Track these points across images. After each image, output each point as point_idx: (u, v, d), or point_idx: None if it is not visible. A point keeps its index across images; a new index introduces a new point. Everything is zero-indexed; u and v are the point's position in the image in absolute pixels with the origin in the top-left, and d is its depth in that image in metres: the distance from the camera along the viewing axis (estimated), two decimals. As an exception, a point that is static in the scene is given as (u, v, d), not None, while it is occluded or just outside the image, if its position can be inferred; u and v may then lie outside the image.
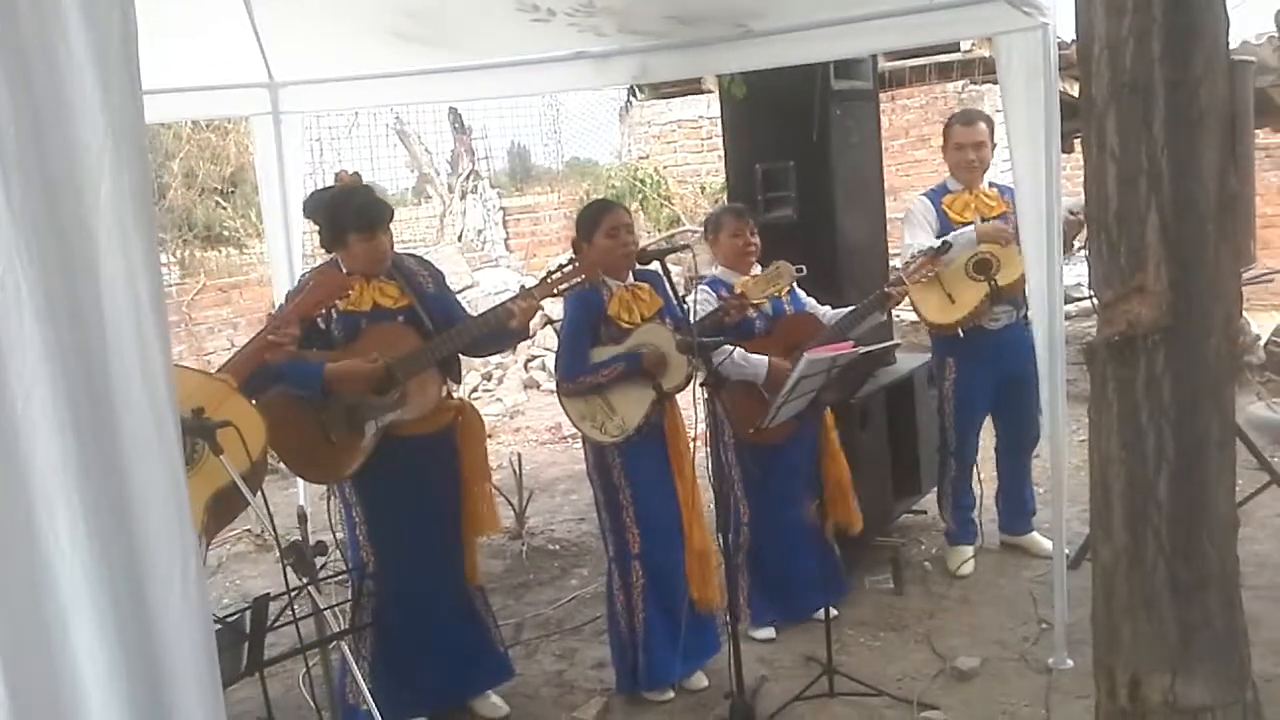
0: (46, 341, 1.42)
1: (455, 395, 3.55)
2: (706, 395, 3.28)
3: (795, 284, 3.86)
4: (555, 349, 3.86)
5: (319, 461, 3.23)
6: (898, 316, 5.57)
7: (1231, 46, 2.21)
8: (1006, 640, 3.77)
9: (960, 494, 4.47)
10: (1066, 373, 3.58)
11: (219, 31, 3.99)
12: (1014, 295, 4.15)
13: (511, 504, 5.15)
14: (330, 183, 3.43)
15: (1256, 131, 4.84)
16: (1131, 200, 2.03)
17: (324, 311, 3.15)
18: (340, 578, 3.76)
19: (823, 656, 3.56)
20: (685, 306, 3.38)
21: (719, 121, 4.86)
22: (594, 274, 3.33)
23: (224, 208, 8.79)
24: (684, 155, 11.51)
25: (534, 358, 8.84)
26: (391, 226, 3.30)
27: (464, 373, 4.75)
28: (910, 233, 4.28)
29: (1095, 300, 2.16)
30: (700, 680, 3.64)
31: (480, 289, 9.57)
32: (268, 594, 2.50)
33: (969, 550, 4.45)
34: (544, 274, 3.34)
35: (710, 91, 9.66)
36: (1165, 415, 2.07)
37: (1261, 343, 6.79)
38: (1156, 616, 2.13)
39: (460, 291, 8.01)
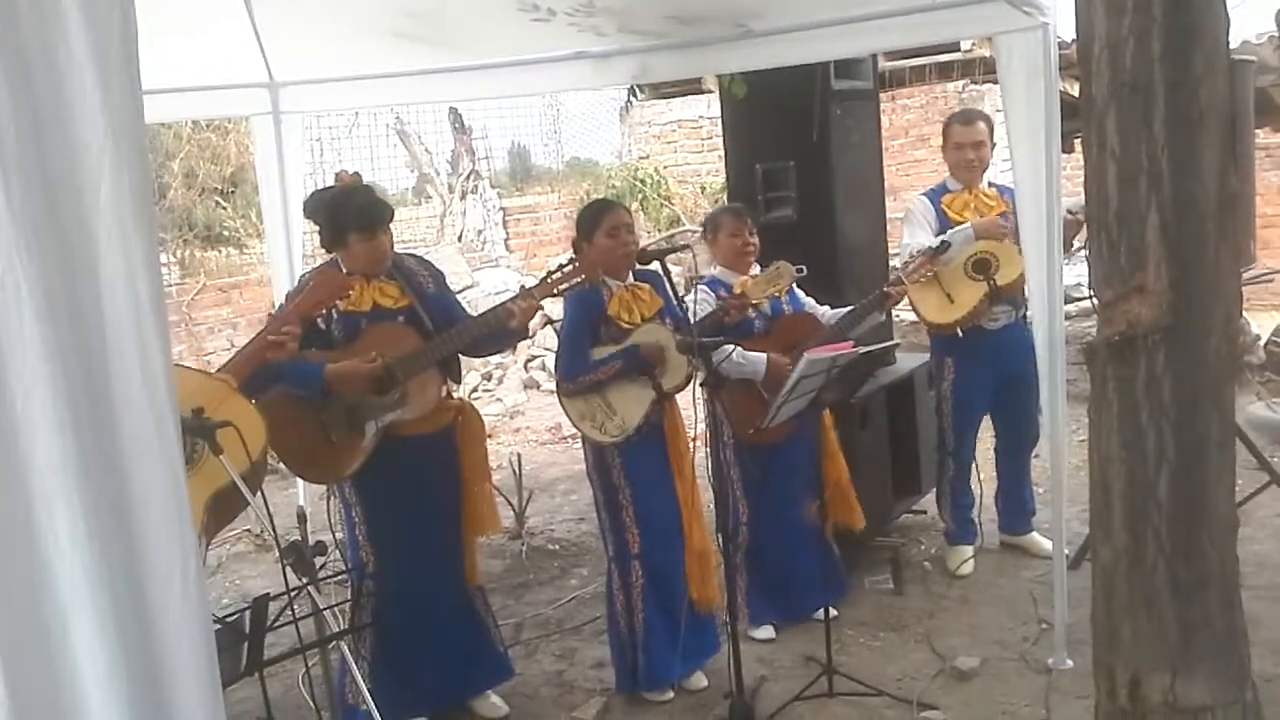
0: (46, 341, 1.42)
1: (455, 395, 3.55)
2: (706, 395, 3.28)
3: (794, 284, 3.86)
4: (555, 349, 3.86)
5: (319, 461, 3.23)
6: (898, 316, 5.57)
7: (1232, 46, 2.22)
8: (1006, 640, 3.77)
9: (959, 494, 4.47)
10: (1066, 372, 3.58)
11: (219, 31, 3.99)
12: (1013, 295, 4.16)
13: (511, 504, 5.15)
14: (330, 183, 3.43)
15: (1257, 131, 4.84)
16: (1131, 200, 2.03)
17: (324, 311, 3.15)
18: (340, 578, 3.77)
19: (822, 656, 3.56)
20: (685, 306, 3.37)
21: (719, 121, 4.86)
22: (594, 274, 3.33)
23: (224, 208, 8.79)
24: (684, 155, 11.51)
25: (534, 358, 8.84)
26: (391, 226, 3.30)
27: (464, 373, 4.75)
28: (909, 232, 4.28)
29: (1095, 300, 2.16)
30: (700, 680, 3.64)
31: (480, 289, 9.57)
32: (267, 594, 2.50)
33: (969, 550, 4.45)
34: (544, 274, 3.34)
35: (710, 91, 9.66)
36: (1165, 415, 2.07)
37: (1261, 343, 6.79)
38: (1156, 616, 2.13)
39: (460, 291, 8.00)
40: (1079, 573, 3.71)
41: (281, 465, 3.57)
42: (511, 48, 4.10)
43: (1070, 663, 3.47)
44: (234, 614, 2.46)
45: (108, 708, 1.49)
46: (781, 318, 3.90)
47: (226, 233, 8.71)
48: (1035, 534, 4.51)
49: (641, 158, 11.73)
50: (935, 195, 4.35)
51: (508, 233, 10.95)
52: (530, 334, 3.98)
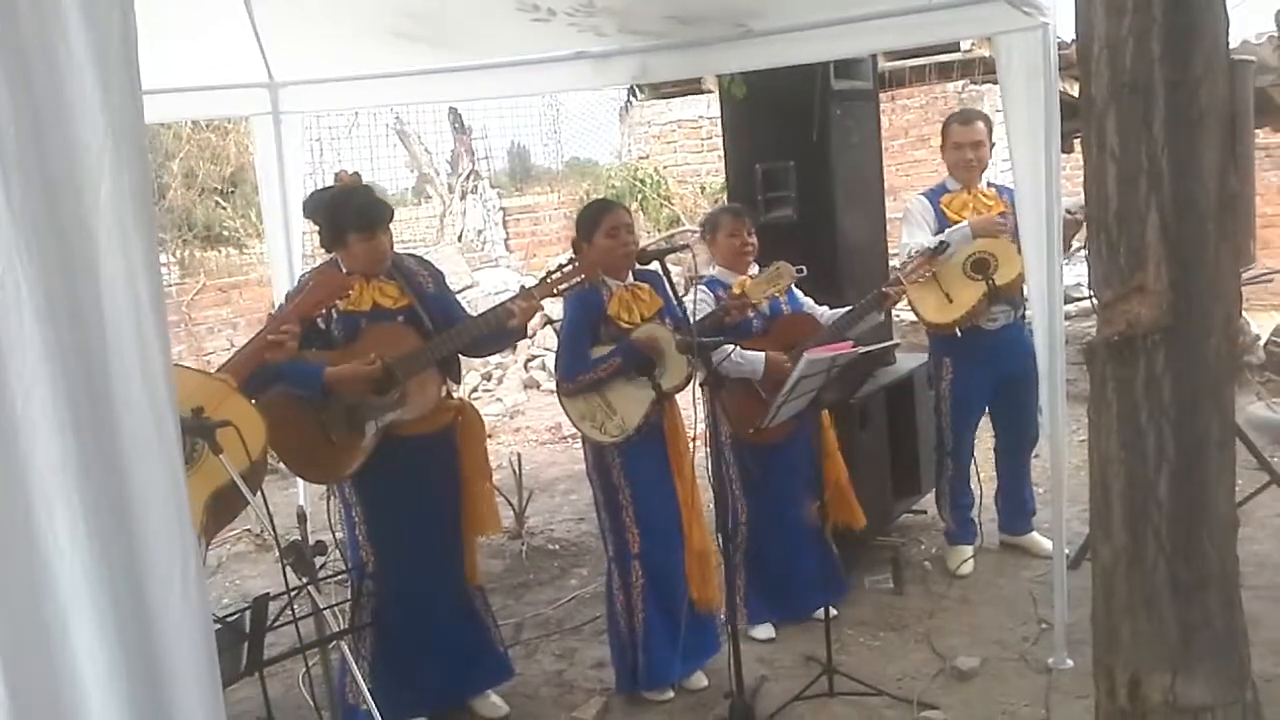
0: (46, 341, 1.42)
1: (455, 395, 3.55)
2: (706, 395, 3.28)
3: (793, 284, 3.86)
4: (555, 349, 3.86)
5: (319, 461, 3.23)
6: (897, 316, 5.57)
7: (1231, 46, 2.21)
8: (1006, 640, 3.77)
9: (958, 494, 4.47)
10: (1066, 372, 3.58)
11: (219, 32, 3.99)
12: (1012, 295, 4.16)
13: (511, 504, 5.15)
14: (330, 183, 3.43)
15: (1256, 131, 4.83)
16: (1131, 200, 2.03)
17: (324, 311, 3.15)
18: (340, 577, 3.77)
19: (822, 656, 3.56)
20: (685, 306, 3.37)
21: (719, 121, 4.86)
22: (594, 274, 3.33)
23: (224, 208, 8.80)
24: (684, 155, 11.51)
25: (534, 358, 8.84)
26: (391, 226, 3.30)
27: (464, 373, 4.75)
28: (908, 232, 4.28)
29: (1095, 300, 2.16)
30: (700, 680, 3.64)
31: (480, 289, 9.57)
32: (267, 594, 2.50)
33: (968, 550, 4.45)
34: (544, 274, 3.34)
35: (710, 91, 9.65)
36: (1165, 415, 2.07)
37: (1261, 342, 6.79)
38: (1156, 616, 2.13)
39: (460, 291, 8.01)
40: (1079, 572, 3.71)
41: (281, 465, 3.57)
42: (511, 48, 4.10)
43: (1070, 662, 3.47)
44: (234, 614, 2.46)
45: (108, 708, 1.49)
46: (780, 318, 3.90)
47: (226, 233, 8.72)
48: (1035, 534, 4.51)
49: (641, 158, 11.73)
50: (934, 195, 4.35)
51: (507, 233, 10.95)
52: (530, 334, 3.98)
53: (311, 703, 3.38)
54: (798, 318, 3.92)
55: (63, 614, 1.46)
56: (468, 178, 10.93)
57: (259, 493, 2.60)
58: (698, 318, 3.56)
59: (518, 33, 3.78)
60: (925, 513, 4.87)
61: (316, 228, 3.32)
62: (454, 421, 3.40)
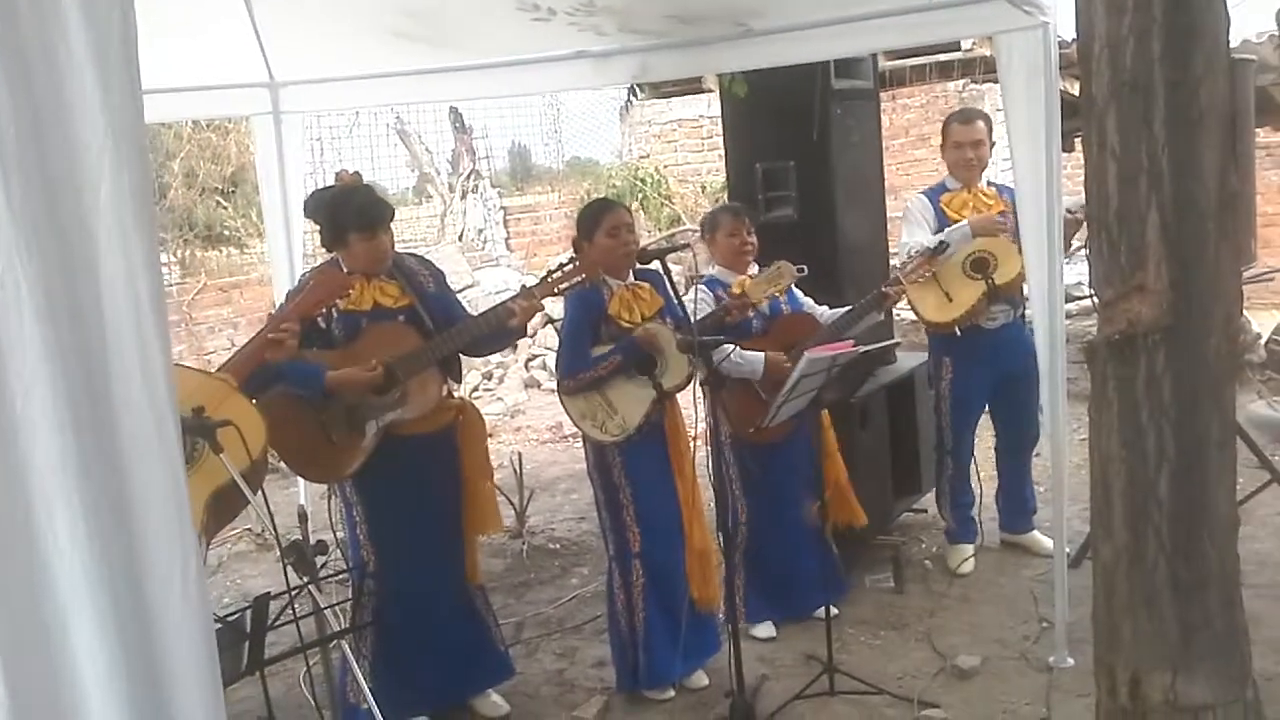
0: (46, 341, 1.42)
1: (456, 394, 3.55)
2: (706, 395, 3.28)
3: (793, 283, 3.85)
4: (556, 348, 3.85)
5: (319, 461, 3.23)
6: (898, 315, 5.56)
7: (1232, 45, 2.21)
8: (1007, 639, 3.77)
9: (958, 492, 4.47)
10: (1067, 371, 3.58)
11: (219, 31, 4.00)
12: (1011, 294, 4.16)
13: (512, 503, 5.15)
14: (331, 182, 3.43)
15: (1257, 130, 4.82)
16: (1132, 199, 2.03)
17: (324, 311, 3.16)
18: (341, 577, 3.77)
19: (823, 655, 3.56)
20: (686, 306, 3.37)
21: (719, 121, 4.86)
22: (594, 273, 3.33)
23: (224, 207, 8.80)
24: (684, 154, 11.51)
25: (535, 357, 8.85)
26: (392, 226, 3.29)
27: (465, 372, 4.75)
28: (908, 231, 4.28)
29: (1095, 299, 2.16)
30: (701, 679, 3.64)
31: (481, 288, 9.57)
32: (268, 593, 2.50)
33: (969, 549, 4.45)
34: (544, 273, 3.34)
35: (711, 91, 9.65)
36: (1165, 414, 2.07)
37: (1262, 341, 6.79)
38: (1157, 615, 2.13)
39: (461, 291, 8.00)
40: (1080, 571, 3.72)
41: (282, 464, 3.57)
42: (511, 47, 4.10)
43: (1071, 661, 3.47)
44: (235, 613, 2.46)
45: (108, 708, 1.49)
46: (779, 317, 3.90)
47: (227, 232, 8.72)
48: (1036, 532, 4.51)
49: (642, 157, 11.73)
50: (934, 194, 4.35)
51: (508, 232, 10.95)
52: (531, 333, 3.98)
53: (312, 702, 3.38)
54: (798, 317, 3.92)
55: (63, 614, 1.46)
56: (468, 177, 10.93)
57: (260, 492, 2.60)
58: (698, 317, 3.56)
59: (518, 32, 3.78)
60: (925, 512, 4.87)
61: (317, 227, 3.32)
62: (455, 421, 3.40)
